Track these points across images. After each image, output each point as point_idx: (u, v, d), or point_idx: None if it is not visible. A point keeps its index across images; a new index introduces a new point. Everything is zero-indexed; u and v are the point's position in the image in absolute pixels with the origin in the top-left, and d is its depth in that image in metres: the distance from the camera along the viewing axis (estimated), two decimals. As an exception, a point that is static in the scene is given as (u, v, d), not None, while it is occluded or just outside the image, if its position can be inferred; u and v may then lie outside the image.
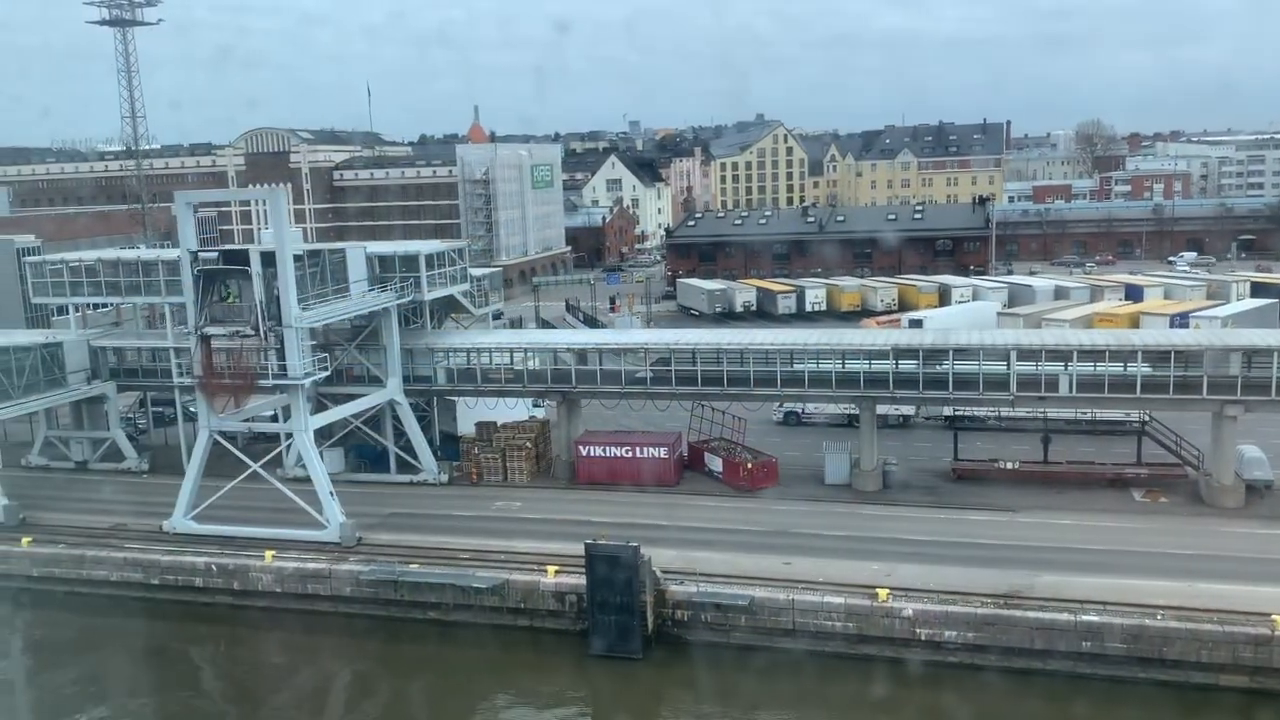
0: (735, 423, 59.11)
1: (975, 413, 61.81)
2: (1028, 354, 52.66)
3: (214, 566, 50.31)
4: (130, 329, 71.72)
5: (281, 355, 51.30)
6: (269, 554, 49.95)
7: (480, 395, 60.25)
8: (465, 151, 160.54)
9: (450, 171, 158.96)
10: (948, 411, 65.00)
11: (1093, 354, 51.67)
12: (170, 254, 64.99)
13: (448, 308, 65.58)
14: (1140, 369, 51.08)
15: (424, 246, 61.40)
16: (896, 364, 53.62)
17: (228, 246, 53.52)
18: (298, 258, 51.63)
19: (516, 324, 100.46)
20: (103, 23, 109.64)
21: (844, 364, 55.68)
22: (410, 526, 53.38)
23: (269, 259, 50.21)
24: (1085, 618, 39.69)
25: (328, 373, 53.58)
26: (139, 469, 65.14)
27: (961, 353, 53.21)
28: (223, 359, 52.19)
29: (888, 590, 42.24)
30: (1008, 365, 53.39)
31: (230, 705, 45.74)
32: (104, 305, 71.49)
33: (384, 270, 59.32)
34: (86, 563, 52.20)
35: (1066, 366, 52.67)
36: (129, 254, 67.96)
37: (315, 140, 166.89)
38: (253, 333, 50.06)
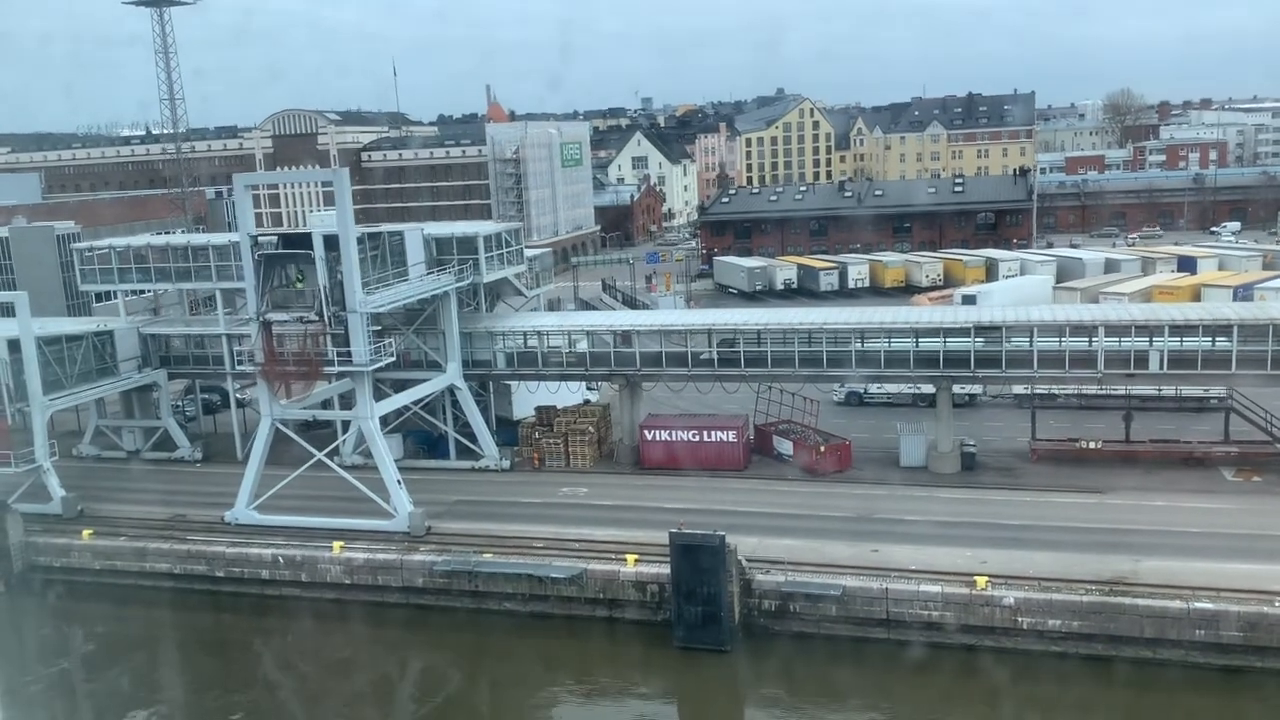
0: (807, 404, 57.44)
1: (1048, 390, 59.91)
2: (1115, 329, 50.70)
3: (280, 558, 49.19)
4: (170, 315, 70.51)
5: (343, 341, 50.06)
6: (337, 545, 48.76)
7: (542, 379, 58.80)
8: (495, 130, 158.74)
9: (480, 151, 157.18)
10: (1017, 389, 63.36)
11: (1185, 329, 49.70)
12: (220, 238, 63.89)
13: (499, 290, 64.19)
14: (1235, 344, 49.02)
15: (481, 228, 59.94)
16: (976, 342, 51.78)
17: (287, 230, 52.13)
18: (358, 241, 50.16)
19: (555, 305, 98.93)
20: (139, 2, 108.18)
21: (918, 342, 53.92)
22: (477, 514, 52.10)
23: (331, 242, 48.78)
24: (1199, 605, 38.02)
25: (393, 359, 52.17)
26: (192, 458, 64.11)
27: (1045, 329, 51.29)
28: (281, 345, 51.00)
29: (986, 578, 40.67)
30: (1090, 342, 51.70)
31: (297, 699, 44.60)
32: (143, 291, 69.95)
33: (441, 252, 57.93)
34: (149, 555, 51.23)
35: (1152, 342, 50.88)
36: (179, 239, 66.71)
37: (342, 121, 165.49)
38: (317, 318, 48.66)
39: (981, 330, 51.94)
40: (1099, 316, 52.08)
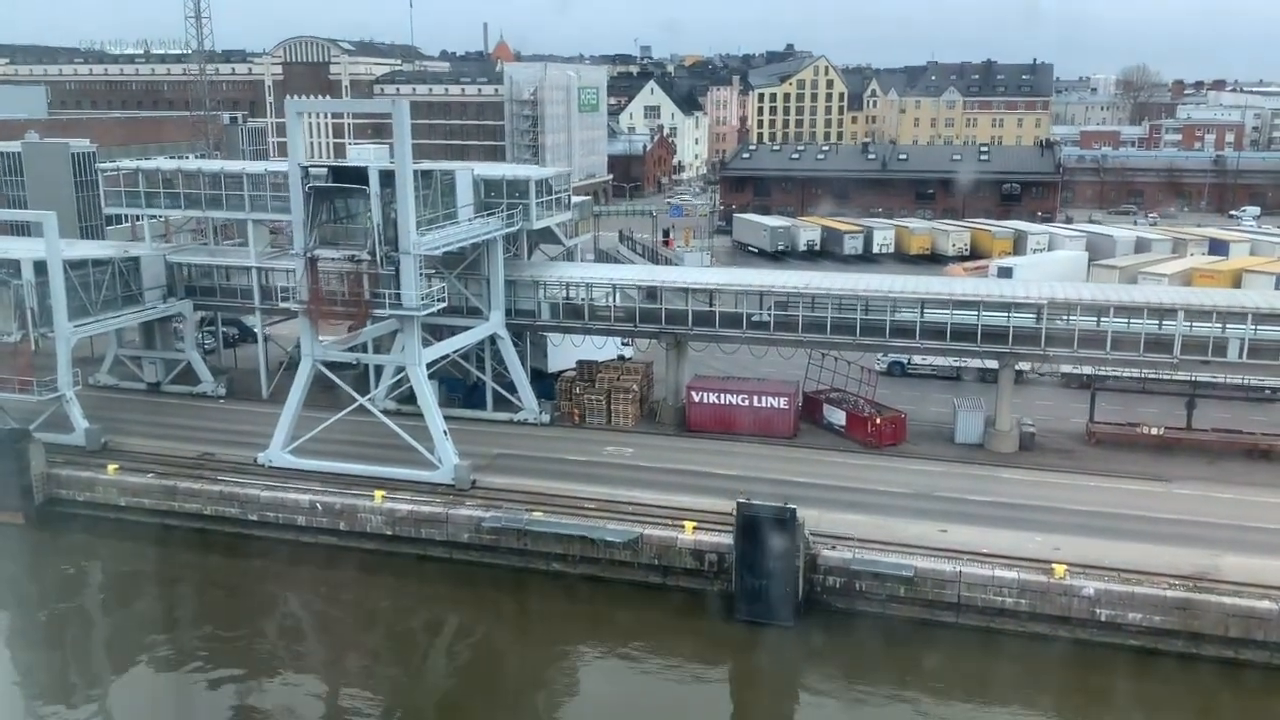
0: (865, 375, 55.62)
1: (1102, 371, 58.36)
2: (1195, 314, 49.00)
3: (319, 505, 47.38)
4: (179, 243, 67.60)
5: (389, 282, 47.80)
6: (379, 494, 46.93)
7: (588, 333, 56.82)
8: (514, 70, 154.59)
9: (496, 90, 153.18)
10: (1065, 368, 61.72)
11: (1270, 317, 48.04)
12: (256, 166, 61.26)
13: (537, 237, 61.84)
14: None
15: (533, 171, 57.54)
16: (1049, 319, 50.05)
17: (339, 162, 49.63)
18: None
19: (572, 255, 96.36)
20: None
21: (978, 316, 52.09)
22: (521, 469, 50.31)
23: (385, 178, 46.36)
24: (1289, 607, 36.79)
25: (444, 304, 49.95)
26: (215, 393, 61.92)
27: (1122, 310, 49.58)
28: (329, 284, 48.76)
29: (1065, 566, 39.30)
30: (1159, 325, 50.08)
31: (325, 648, 43.02)
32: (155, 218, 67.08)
33: (489, 194, 55.50)
34: (179, 494, 49.34)
35: (1226, 329, 49.30)
36: (211, 164, 63.92)
37: (356, 52, 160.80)
38: (369, 257, 46.34)
39: (1056, 308, 50.13)
40: (1179, 300, 50.27)
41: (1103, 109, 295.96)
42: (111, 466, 50.97)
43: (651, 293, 56.32)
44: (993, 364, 55.18)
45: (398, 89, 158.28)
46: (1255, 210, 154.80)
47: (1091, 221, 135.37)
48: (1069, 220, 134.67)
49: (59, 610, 45.28)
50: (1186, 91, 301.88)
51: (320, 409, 51.76)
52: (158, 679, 40.12)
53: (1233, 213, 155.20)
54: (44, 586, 47.28)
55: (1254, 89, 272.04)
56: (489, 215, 53.80)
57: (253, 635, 42.99)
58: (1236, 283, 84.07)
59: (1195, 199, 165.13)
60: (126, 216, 76.24)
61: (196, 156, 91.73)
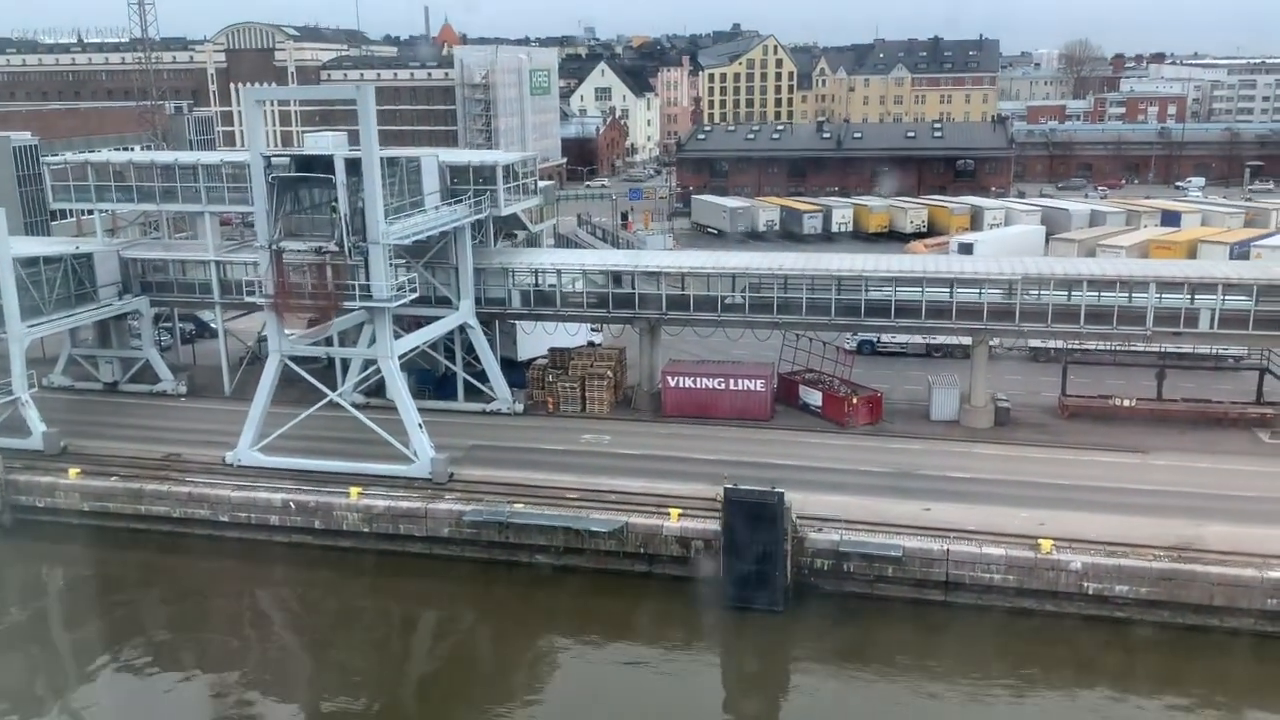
0: (840, 355, 55.42)
1: (1071, 344, 58.73)
2: (1166, 286, 49.41)
3: (292, 504, 46.18)
4: (128, 237, 65.60)
5: (355, 273, 46.67)
6: (354, 491, 45.86)
7: (560, 320, 56.00)
8: (464, 53, 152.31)
9: (446, 74, 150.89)
10: (1034, 342, 62.17)
11: (1240, 288, 48.54)
12: (211, 156, 59.52)
13: (502, 224, 60.76)
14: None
15: (499, 157, 56.44)
16: (1023, 295, 50.17)
17: (302, 151, 48.05)
18: (377, 165, 46.36)
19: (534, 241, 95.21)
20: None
21: (952, 293, 52.09)
22: (498, 460, 49.47)
23: (351, 167, 45.11)
24: (1272, 574, 37.21)
25: (416, 295, 48.83)
26: (176, 392, 60.22)
27: (1095, 283, 49.83)
28: (293, 276, 47.43)
29: (1051, 541, 39.44)
30: (1129, 298, 50.46)
31: (301, 647, 42.14)
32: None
33: (455, 181, 54.36)
34: (145, 497, 47.84)
35: (1194, 299, 49.79)
36: (164, 155, 61.92)
37: (300, 37, 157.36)
38: (337, 248, 45.11)
39: (1029, 283, 50.24)
40: (1150, 272, 50.66)
41: (1046, 84, 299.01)
42: (73, 470, 49.31)
43: (623, 278, 55.53)
44: (965, 340, 55.36)
45: (345, 74, 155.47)
46: (1200, 180, 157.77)
47: (1043, 196, 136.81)
48: (1021, 195, 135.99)
49: (19, 618, 43.66)
50: (1127, 65, 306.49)
51: (286, 405, 50.54)
52: (127, 685, 38.88)
53: (1178, 184, 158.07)
54: (4, 595, 45.64)
55: (1191, 61, 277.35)
56: (456, 202, 52.67)
57: (226, 639, 41.76)
58: (1192, 253, 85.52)
59: (1142, 171, 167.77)
60: (72, 211, 74.05)
61: (143, 148, 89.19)
